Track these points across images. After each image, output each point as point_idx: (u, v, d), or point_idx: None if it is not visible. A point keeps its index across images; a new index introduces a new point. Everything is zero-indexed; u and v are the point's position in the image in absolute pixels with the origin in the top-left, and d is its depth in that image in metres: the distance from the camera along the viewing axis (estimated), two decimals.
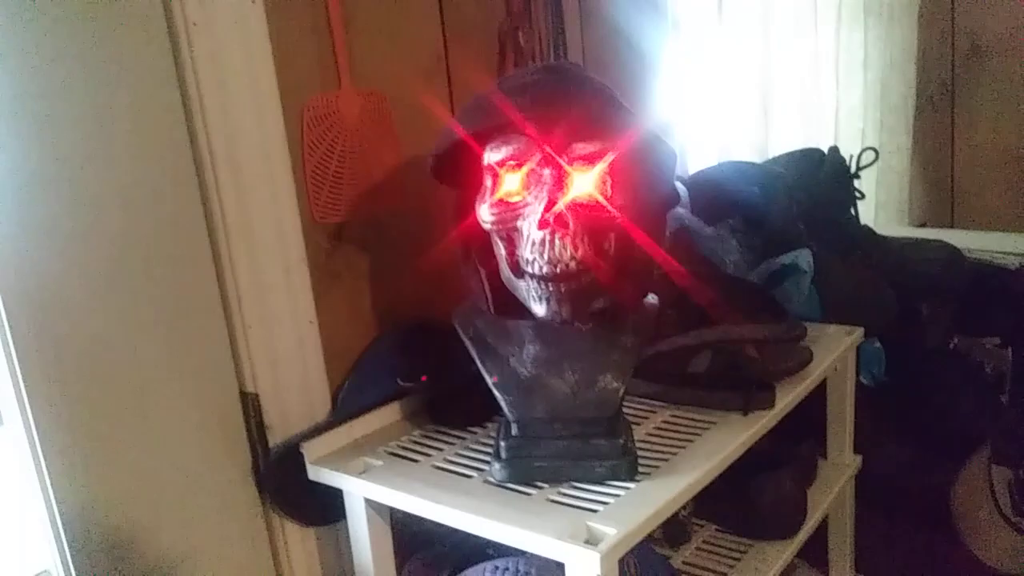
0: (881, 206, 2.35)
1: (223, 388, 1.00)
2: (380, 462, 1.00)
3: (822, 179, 1.59)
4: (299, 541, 1.08)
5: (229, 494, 1.01)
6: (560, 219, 0.81)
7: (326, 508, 1.04)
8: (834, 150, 1.66)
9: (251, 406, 1.02)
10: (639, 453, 0.93)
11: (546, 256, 0.81)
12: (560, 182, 0.82)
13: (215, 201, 0.96)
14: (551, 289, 0.83)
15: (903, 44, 2.39)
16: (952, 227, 2.52)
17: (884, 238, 1.73)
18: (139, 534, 0.92)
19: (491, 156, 0.85)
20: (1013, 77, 2.49)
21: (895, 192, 2.40)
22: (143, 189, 0.91)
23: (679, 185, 0.97)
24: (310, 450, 1.01)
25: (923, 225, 2.48)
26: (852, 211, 1.65)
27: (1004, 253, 1.91)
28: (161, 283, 0.93)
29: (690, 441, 1.00)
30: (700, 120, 1.85)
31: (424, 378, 1.09)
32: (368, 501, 0.98)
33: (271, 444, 1.03)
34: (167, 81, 0.92)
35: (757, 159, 1.91)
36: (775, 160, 1.69)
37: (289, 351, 1.04)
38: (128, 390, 0.91)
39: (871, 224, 1.84)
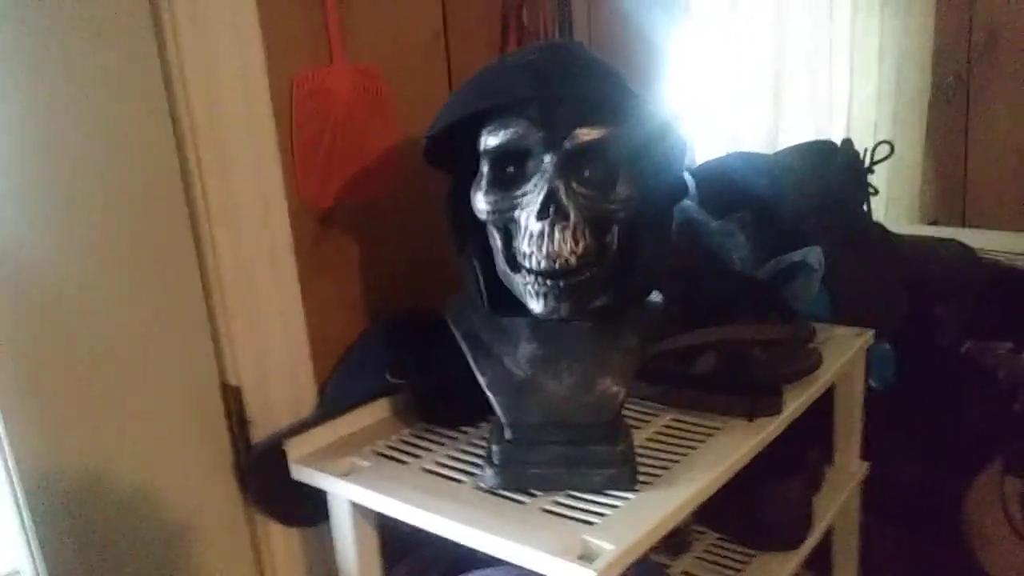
0: (892, 202, 2.29)
1: (203, 380, 0.95)
2: (367, 463, 0.95)
3: (834, 173, 1.53)
4: (282, 541, 1.03)
5: (208, 491, 0.97)
6: (560, 210, 0.75)
7: (311, 508, 0.99)
8: (847, 143, 1.60)
9: (233, 399, 0.97)
10: (639, 460, 0.88)
11: (544, 250, 0.76)
12: (561, 170, 0.77)
13: (197, 182, 0.91)
14: (549, 285, 0.77)
15: (919, 36, 2.33)
16: (964, 225, 2.46)
17: (897, 236, 1.67)
18: (113, 532, 0.88)
19: (488, 140, 0.79)
20: None
21: (906, 188, 2.34)
22: (120, 167, 0.85)
23: (687, 176, 0.91)
24: (294, 448, 0.96)
25: (934, 222, 2.43)
26: (865, 207, 1.60)
27: (1017, 254, 1.85)
28: (139, 268, 0.88)
29: (693, 448, 0.95)
30: (709, 108, 1.79)
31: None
32: (354, 504, 0.93)
33: (253, 440, 0.98)
34: (146, 53, 0.86)
35: (766, 150, 1.85)
36: (785, 151, 1.63)
37: (274, 342, 0.99)
38: (102, 379, 0.86)
39: (881, 220, 1.78)
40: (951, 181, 2.58)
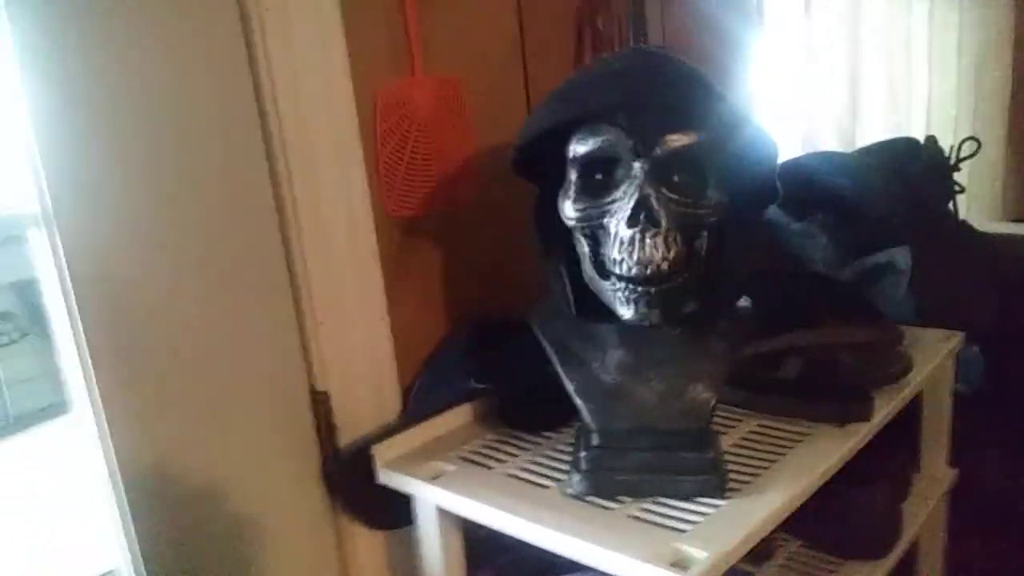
0: (973, 198, 2.22)
1: (293, 386, 0.98)
2: (452, 467, 0.96)
3: (918, 171, 1.49)
4: (367, 544, 1.05)
5: (297, 494, 0.99)
6: (652, 217, 0.75)
7: (395, 511, 1.00)
8: (931, 140, 1.56)
9: (321, 405, 0.99)
10: (727, 466, 0.87)
11: (635, 256, 0.76)
12: (652, 176, 0.76)
13: (287, 194, 0.93)
14: (640, 291, 0.77)
15: (999, 28, 2.25)
16: None
17: (984, 234, 1.62)
18: (207, 532, 0.90)
19: (577, 148, 0.79)
20: None
21: (988, 184, 2.27)
22: (214, 179, 0.88)
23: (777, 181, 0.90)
24: (381, 453, 0.98)
25: (1018, 219, 2.34)
26: (950, 205, 1.55)
27: None
28: (234, 279, 0.91)
29: (781, 455, 0.93)
30: (786, 108, 1.76)
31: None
32: (440, 508, 0.94)
33: (340, 444, 1.00)
34: (239, 68, 0.89)
35: (844, 148, 1.81)
36: (867, 150, 1.59)
37: (360, 348, 1.01)
38: (198, 386, 0.89)
39: (964, 218, 1.73)
40: None
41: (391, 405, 1.05)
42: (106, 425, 0.82)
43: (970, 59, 2.21)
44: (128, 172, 0.81)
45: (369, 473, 0.98)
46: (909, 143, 1.58)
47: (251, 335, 0.93)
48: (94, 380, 0.81)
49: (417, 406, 1.06)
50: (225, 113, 0.89)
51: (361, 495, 1.01)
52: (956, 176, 1.58)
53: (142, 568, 0.86)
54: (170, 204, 0.85)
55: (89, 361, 0.80)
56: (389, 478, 0.96)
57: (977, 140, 1.53)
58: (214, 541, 0.91)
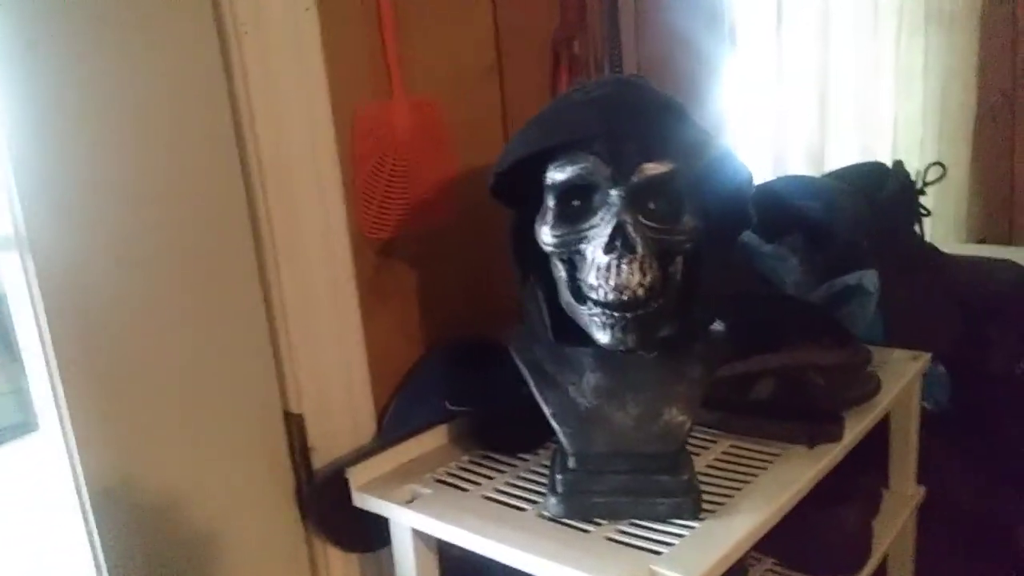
0: (939, 220, 2.27)
1: (267, 408, 0.97)
2: (428, 490, 0.96)
3: (886, 194, 1.52)
4: (341, 566, 1.04)
5: (271, 517, 0.98)
6: (628, 243, 0.76)
7: (370, 534, 1.00)
8: (899, 164, 1.59)
9: (295, 427, 0.98)
10: (701, 488, 0.88)
11: (612, 282, 0.77)
12: (629, 204, 0.77)
13: (263, 213, 0.93)
14: (616, 317, 0.78)
15: (964, 53, 2.31)
16: (1012, 243, 2.42)
17: (949, 256, 1.65)
18: (177, 554, 0.90)
19: (555, 175, 0.80)
20: None
21: (953, 206, 2.32)
22: (190, 198, 0.88)
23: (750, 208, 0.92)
24: (355, 476, 0.97)
25: (982, 241, 2.39)
26: (917, 228, 1.58)
27: None
28: (206, 298, 0.90)
29: (754, 476, 0.95)
30: (756, 130, 1.79)
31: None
32: (415, 531, 0.94)
33: (315, 466, 0.99)
34: (217, 89, 0.89)
35: (813, 170, 1.85)
36: (836, 173, 1.63)
37: (335, 371, 1.01)
38: (170, 407, 0.88)
39: (928, 240, 1.77)
40: (998, 199, 2.55)
41: (366, 428, 1.05)
42: (75, 445, 0.81)
43: (936, 83, 2.26)
44: (102, 191, 0.81)
45: (344, 496, 0.97)
46: (877, 167, 1.61)
47: (225, 356, 0.92)
48: (63, 398, 0.80)
49: (392, 428, 1.05)
50: (202, 134, 0.88)
51: (336, 518, 1.00)
52: (922, 199, 1.62)
53: None
54: (144, 223, 0.84)
55: (59, 379, 0.79)
56: (364, 501, 0.96)
57: (943, 166, 1.57)
58: (185, 563, 0.90)
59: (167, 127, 0.85)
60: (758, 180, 1.64)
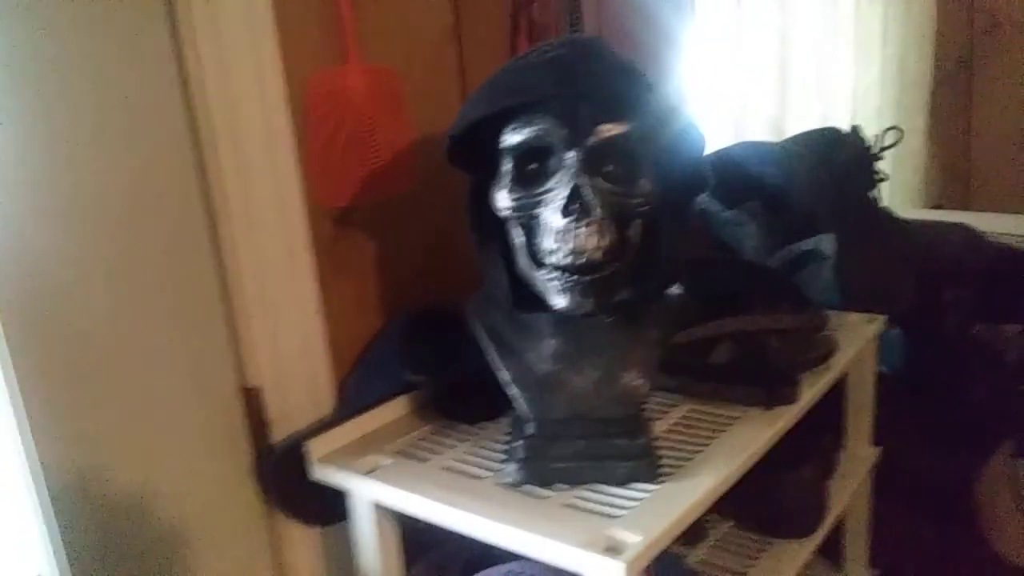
0: (896, 187, 2.29)
1: (223, 382, 0.96)
2: (388, 461, 0.95)
3: (843, 160, 1.53)
4: (302, 541, 1.03)
5: (229, 493, 0.97)
6: (585, 206, 0.76)
7: (331, 507, 0.99)
8: (856, 129, 1.60)
9: (252, 401, 0.97)
10: (659, 452, 0.89)
11: (570, 246, 0.76)
12: (585, 166, 0.77)
13: (215, 183, 0.91)
14: (574, 281, 0.78)
15: (921, 20, 2.32)
16: (968, 209, 2.46)
17: (904, 221, 1.67)
18: (134, 532, 0.88)
19: (511, 138, 0.79)
20: None
21: (910, 172, 2.34)
22: (139, 169, 0.86)
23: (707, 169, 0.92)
24: (315, 448, 0.97)
25: (939, 206, 2.43)
26: (873, 193, 1.60)
27: (1020, 236, 1.86)
28: (158, 271, 0.88)
29: (712, 438, 0.95)
30: (716, 97, 1.79)
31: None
32: (375, 503, 0.93)
33: (273, 441, 0.98)
34: (164, 56, 0.87)
35: (773, 137, 1.85)
36: (793, 139, 1.63)
37: (292, 343, 0.99)
38: (122, 383, 0.86)
39: (887, 206, 1.79)
40: (955, 165, 2.58)
41: (325, 400, 1.04)
42: (28, 428, 0.79)
43: (893, 51, 2.27)
44: (45, 167, 0.78)
45: (303, 469, 0.96)
46: (834, 133, 1.62)
47: (179, 331, 0.90)
48: (15, 382, 0.78)
49: (352, 400, 1.05)
50: (149, 102, 0.86)
51: (295, 492, 0.99)
52: (879, 165, 1.63)
53: (67, 573, 0.83)
54: (91, 196, 0.82)
55: (9, 362, 0.77)
56: (323, 473, 0.96)
57: (899, 130, 1.58)
58: (143, 544, 0.89)
59: (112, 96, 0.83)
60: (719, 147, 1.66)
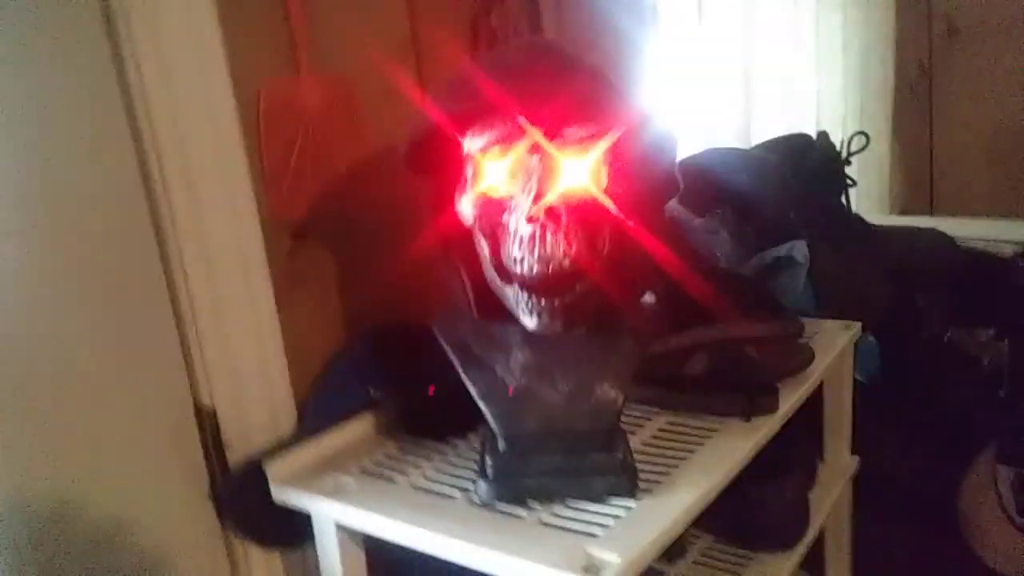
0: (863, 193, 2.30)
1: (176, 403, 0.91)
2: (352, 481, 0.91)
3: (811, 165, 1.52)
4: (263, 566, 0.99)
5: (184, 518, 0.92)
6: (551, 213, 0.72)
7: (292, 530, 0.95)
8: (823, 135, 1.60)
9: (208, 422, 0.93)
10: (637, 466, 0.85)
11: (536, 254, 0.73)
12: (551, 171, 0.74)
13: (162, 198, 0.86)
14: (544, 304, 0.74)
15: (881, 28, 2.34)
16: (932, 214, 2.48)
17: (875, 227, 1.66)
18: (83, 563, 0.83)
19: (472, 143, 0.76)
20: (990, 59, 2.46)
21: (875, 178, 2.35)
22: (81, 186, 0.81)
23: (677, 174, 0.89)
24: (274, 469, 0.92)
25: (904, 212, 2.44)
26: (842, 199, 1.59)
27: (987, 240, 1.86)
28: (104, 290, 0.83)
29: (691, 451, 0.92)
30: (681, 105, 1.78)
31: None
32: (339, 525, 0.89)
33: (230, 463, 0.94)
34: (103, 68, 0.82)
35: (740, 145, 1.84)
36: (762, 146, 1.62)
37: (249, 361, 0.95)
38: (68, 404, 0.81)
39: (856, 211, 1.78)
40: (918, 170, 2.60)
41: (285, 420, 0.99)
42: None
43: (855, 59, 2.29)
44: None
45: (262, 492, 0.91)
46: (802, 139, 1.61)
47: (127, 350, 0.86)
48: None
49: (313, 419, 1.00)
50: (89, 115, 0.82)
51: (255, 515, 0.95)
52: (848, 170, 1.62)
53: None
54: (31, 213, 0.77)
55: None
56: (284, 495, 0.91)
57: (866, 135, 1.58)
58: (93, 572, 0.84)
59: (50, 110, 0.78)
60: (686, 155, 1.64)
